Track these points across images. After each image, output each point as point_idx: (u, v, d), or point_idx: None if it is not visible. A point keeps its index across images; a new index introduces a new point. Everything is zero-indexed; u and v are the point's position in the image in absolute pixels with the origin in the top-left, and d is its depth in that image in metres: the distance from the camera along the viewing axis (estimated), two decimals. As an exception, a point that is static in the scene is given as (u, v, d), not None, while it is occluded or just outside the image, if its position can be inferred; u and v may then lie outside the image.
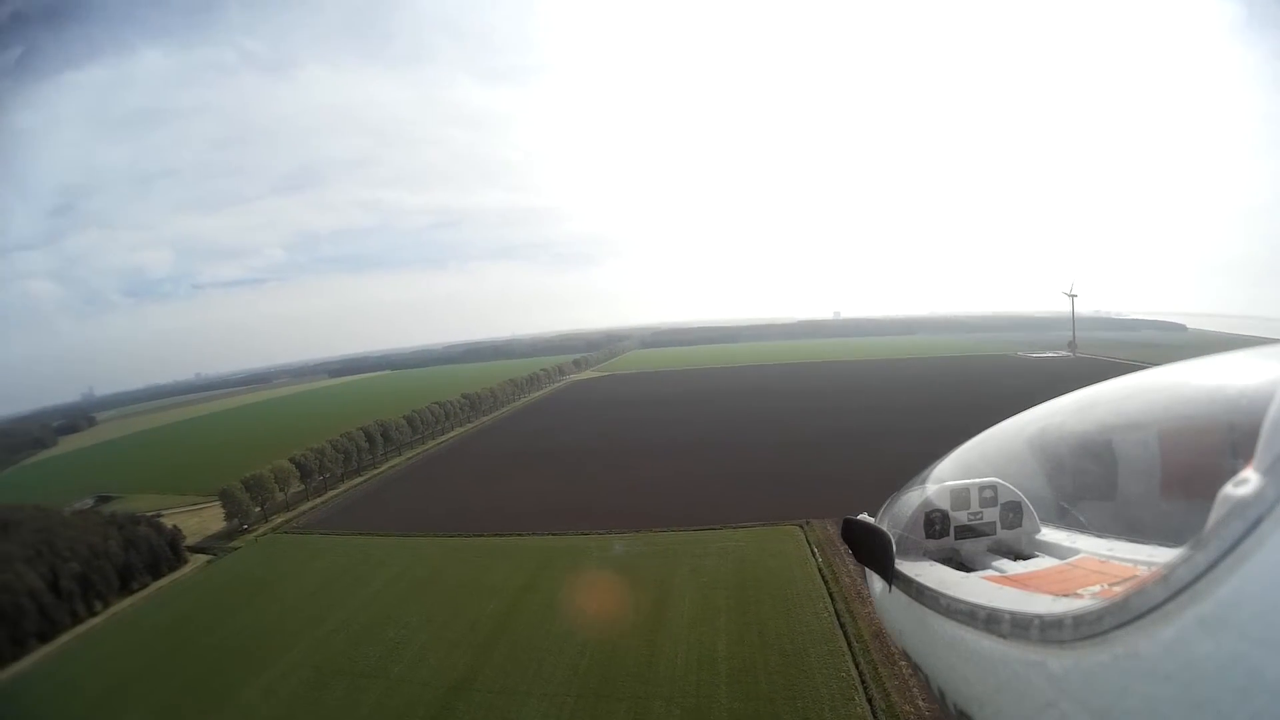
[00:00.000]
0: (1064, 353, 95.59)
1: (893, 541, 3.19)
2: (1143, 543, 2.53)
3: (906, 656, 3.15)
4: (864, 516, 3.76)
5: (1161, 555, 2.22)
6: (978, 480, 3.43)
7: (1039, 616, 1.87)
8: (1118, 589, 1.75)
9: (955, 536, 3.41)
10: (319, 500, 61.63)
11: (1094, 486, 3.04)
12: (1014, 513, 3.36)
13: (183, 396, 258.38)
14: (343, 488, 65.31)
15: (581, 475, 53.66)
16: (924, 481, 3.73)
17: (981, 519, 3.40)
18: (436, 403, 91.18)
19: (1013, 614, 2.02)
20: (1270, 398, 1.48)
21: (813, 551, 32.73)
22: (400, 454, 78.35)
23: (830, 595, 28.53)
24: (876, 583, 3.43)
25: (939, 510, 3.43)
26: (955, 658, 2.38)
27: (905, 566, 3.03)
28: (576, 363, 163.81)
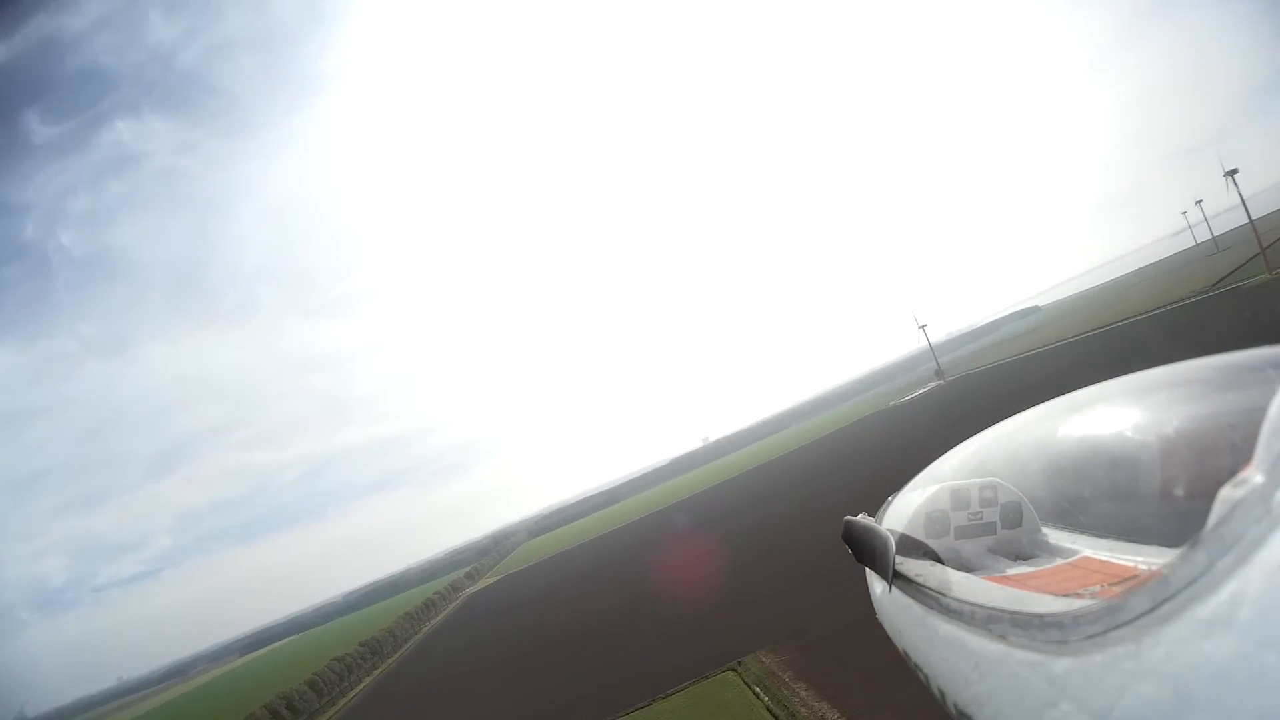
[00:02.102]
0: (934, 383, 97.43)
1: (892, 542, 3.07)
2: (1143, 543, 2.56)
3: (906, 657, 3.04)
4: (863, 517, 3.68)
5: (1161, 555, 2.29)
6: (978, 480, 3.42)
7: (1039, 616, 1.88)
8: (1118, 589, 1.80)
9: (955, 536, 3.37)
10: (241, 795, 49.45)
11: (1094, 486, 3.04)
12: (1014, 513, 3.32)
13: (109, 705, 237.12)
14: (261, 775, 52.69)
15: (492, 693, 45.58)
16: (924, 482, 3.65)
17: (981, 519, 3.37)
18: (335, 658, 79.01)
19: (1013, 614, 2.02)
20: (1270, 398, 1.46)
21: (755, 693, 25.54)
22: (313, 720, 65.93)
23: (790, 732, 21.46)
24: (876, 583, 3.38)
25: (939, 510, 3.40)
26: (955, 658, 2.38)
27: (905, 566, 2.96)
28: (469, 575, 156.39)
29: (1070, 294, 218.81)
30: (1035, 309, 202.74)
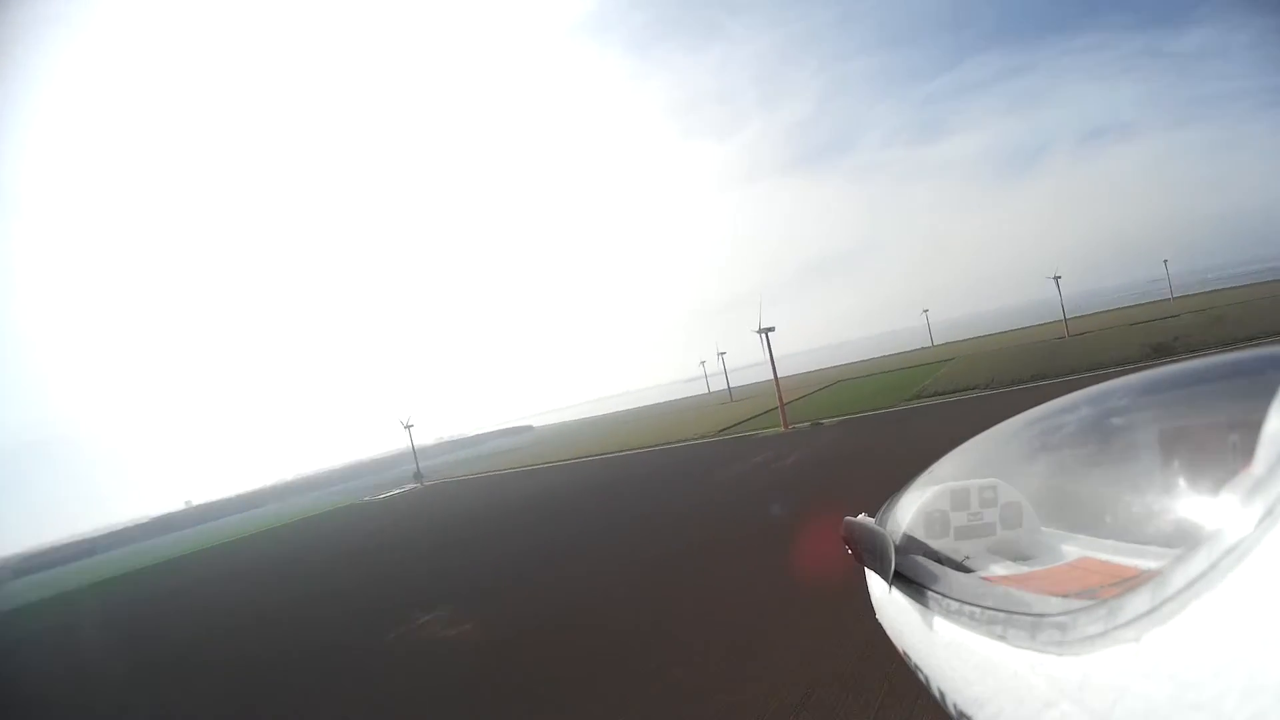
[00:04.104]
0: (412, 485, 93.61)
1: (892, 542, 3.02)
2: (1143, 543, 2.52)
3: (906, 658, 3.05)
4: (864, 517, 3.67)
5: (1161, 555, 2.27)
6: (978, 480, 3.37)
7: (1039, 617, 1.89)
8: (1118, 589, 1.73)
9: (955, 537, 3.31)
10: None
11: (1094, 486, 3.04)
12: (1014, 513, 3.31)
13: None
14: None
15: None
16: (924, 482, 3.66)
17: (981, 519, 3.31)
18: None
19: (1012, 614, 2.03)
20: (1271, 398, 1.48)
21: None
22: None
23: None
24: (877, 584, 3.33)
25: (939, 510, 3.34)
26: (955, 659, 2.34)
27: (905, 567, 2.91)
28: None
29: (560, 420, 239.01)
30: (529, 428, 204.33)
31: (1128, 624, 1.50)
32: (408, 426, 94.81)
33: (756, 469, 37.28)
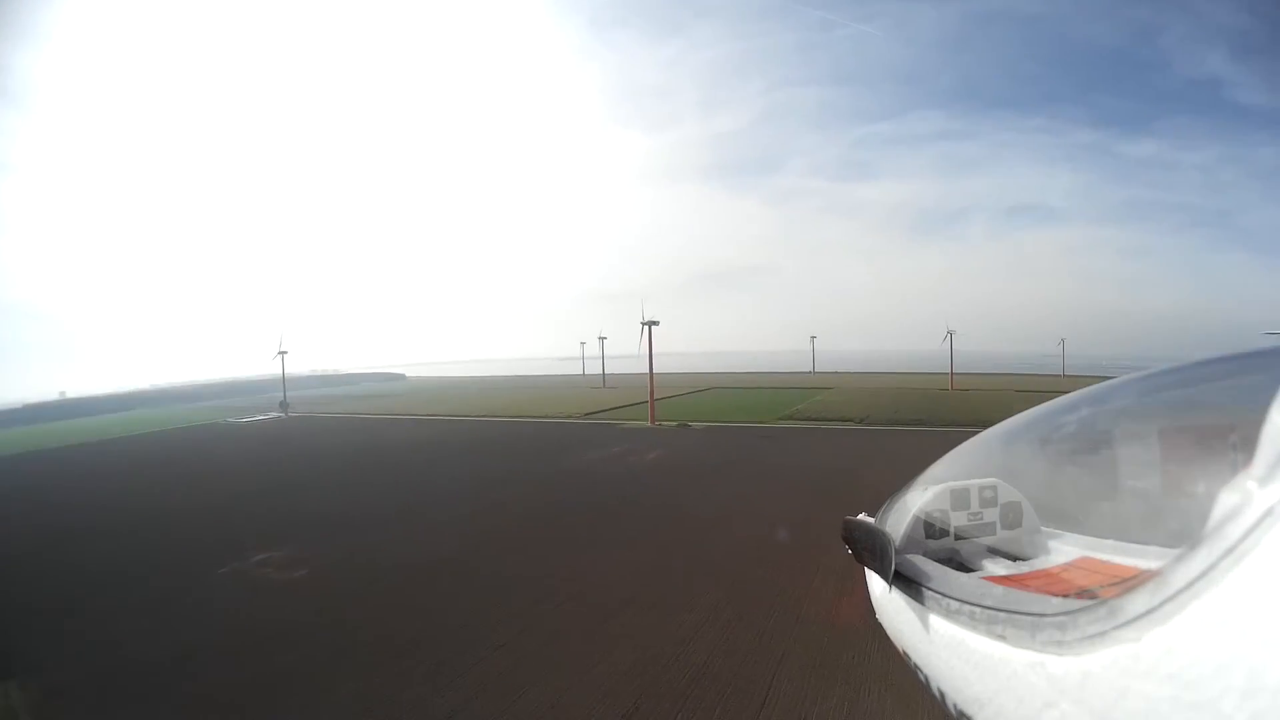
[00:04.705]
0: (276, 413, 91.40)
1: (892, 542, 3.02)
2: (1143, 543, 2.60)
3: (906, 657, 3.02)
4: (864, 517, 3.76)
5: (1161, 555, 2.27)
6: (978, 480, 3.40)
7: (1039, 617, 1.92)
8: (1118, 589, 1.74)
9: (955, 536, 3.34)
10: None
11: (1094, 486, 3.07)
12: (1014, 513, 3.33)
13: None
14: None
15: None
16: (924, 482, 3.67)
17: (981, 519, 3.34)
18: None
19: (1012, 614, 2.06)
20: (1271, 398, 1.48)
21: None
22: None
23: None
24: (876, 584, 3.35)
25: (939, 510, 3.36)
26: (955, 658, 2.35)
27: (905, 567, 2.91)
28: None
29: (432, 374, 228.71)
30: (402, 376, 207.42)
31: (1128, 624, 1.52)
32: (281, 353, 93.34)
33: (612, 459, 37.53)
